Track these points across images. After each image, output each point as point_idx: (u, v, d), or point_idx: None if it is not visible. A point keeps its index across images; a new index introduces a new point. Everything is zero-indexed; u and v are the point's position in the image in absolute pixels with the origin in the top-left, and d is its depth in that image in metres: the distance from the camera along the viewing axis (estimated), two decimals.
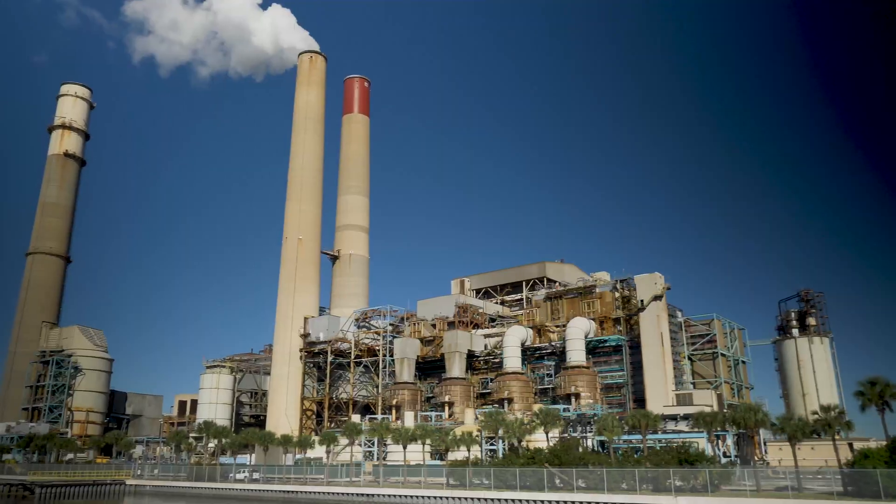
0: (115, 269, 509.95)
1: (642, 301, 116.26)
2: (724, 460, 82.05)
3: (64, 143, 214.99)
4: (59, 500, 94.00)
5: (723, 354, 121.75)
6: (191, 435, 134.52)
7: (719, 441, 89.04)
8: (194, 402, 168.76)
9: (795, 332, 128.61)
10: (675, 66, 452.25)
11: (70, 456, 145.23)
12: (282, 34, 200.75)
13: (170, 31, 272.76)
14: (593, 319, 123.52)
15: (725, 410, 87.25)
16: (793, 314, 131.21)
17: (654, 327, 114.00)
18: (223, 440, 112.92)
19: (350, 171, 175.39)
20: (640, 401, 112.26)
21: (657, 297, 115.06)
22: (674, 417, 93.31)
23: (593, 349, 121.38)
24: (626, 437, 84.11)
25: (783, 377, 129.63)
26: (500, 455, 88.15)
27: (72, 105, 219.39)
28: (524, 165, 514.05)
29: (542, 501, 63.16)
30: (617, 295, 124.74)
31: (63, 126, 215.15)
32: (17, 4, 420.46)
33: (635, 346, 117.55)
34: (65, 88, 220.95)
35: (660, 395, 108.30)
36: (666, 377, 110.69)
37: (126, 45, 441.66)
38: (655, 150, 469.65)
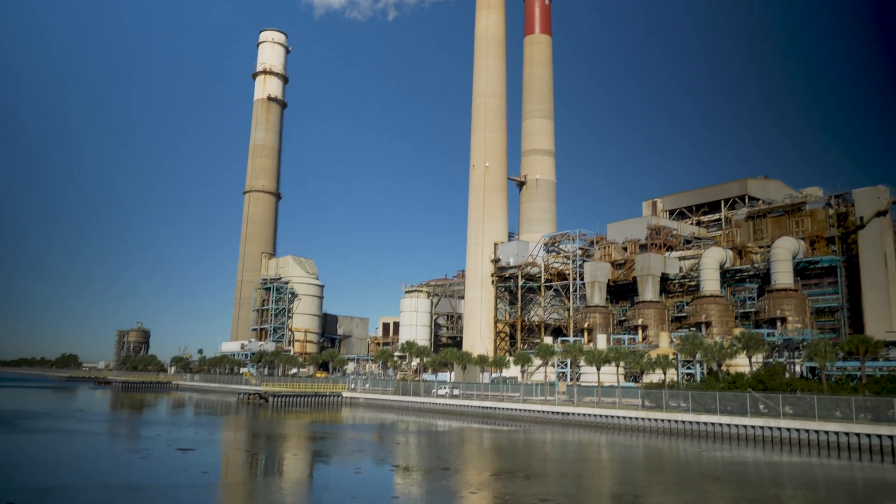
0: (319, 202, 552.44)
1: (861, 218, 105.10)
2: None
3: (267, 87, 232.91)
4: (288, 408, 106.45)
5: None
6: (395, 354, 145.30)
7: None
8: (396, 324, 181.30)
9: None
10: None
11: (294, 370, 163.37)
12: None
13: None
14: (802, 239, 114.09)
15: None
16: None
17: (876, 246, 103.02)
18: (424, 359, 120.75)
19: (534, 94, 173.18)
20: (857, 326, 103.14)
21: (881, 213, 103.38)
22: None
23: (802, 271, 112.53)
24: (840, 363, 78.17)
25: None
26: (698, 379, 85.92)
27: (270, 51, 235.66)
28: (720, 73, 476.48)
29: (745, 426, 61.07)
30: (831, 212, 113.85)
31: (265, 72, 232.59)
32: None
33: (852, 268, 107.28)
34: (263, 35, 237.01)
35: (881, 320, 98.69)
36: (889, 301, 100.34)
37: None
38: (869, 45, 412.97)
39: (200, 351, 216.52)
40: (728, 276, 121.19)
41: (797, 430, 57.37)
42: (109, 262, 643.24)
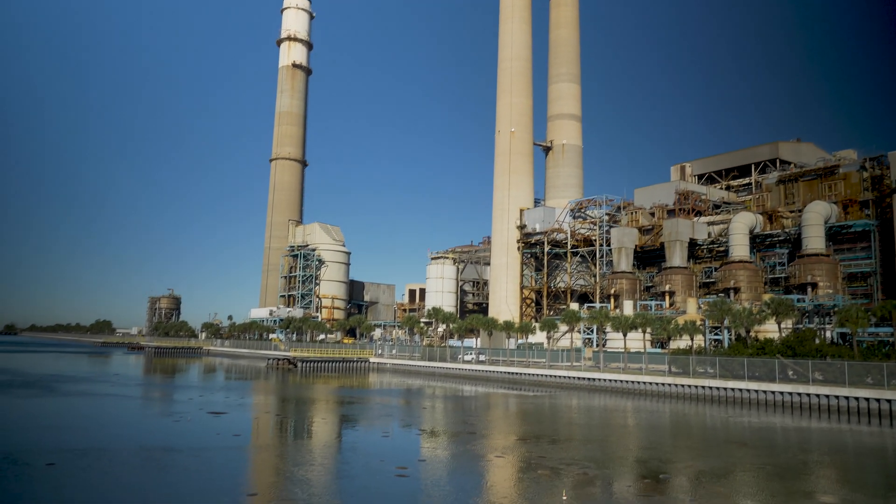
0: (345, 169, 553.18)
1: None
2: None
3: (291, 54, 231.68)
4: (317, 373, 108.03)
5: None
6: (421, 320, 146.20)
7: None
8: (422, 291, 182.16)
9: None
10: None
11: (321, 336, 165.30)
12: None
13: None
14: (835, 203, 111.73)
15: None
16: None
17: None
18: (450, 325, 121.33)
19: (560, 58, 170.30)
20: (890, 291, 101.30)
21: None
22: None
23: (834, 235, 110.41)
24: (872, 329, 77.05)
25: None
26: (726, 345, 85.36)
27: (294, 17, 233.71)
28: (750, 35, 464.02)
29: (773, 392, 60.68)
30: (865, 175, 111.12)
31: (289, 38, 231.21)
32: None
33: (886, 232, 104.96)
34: (287, 1, 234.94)
35: None
36: None
37: None
38: None
39: (230, 317, 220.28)
40: (758, 242, 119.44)
41: (827, 396, 56.89)
42: (141, 231, 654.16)
